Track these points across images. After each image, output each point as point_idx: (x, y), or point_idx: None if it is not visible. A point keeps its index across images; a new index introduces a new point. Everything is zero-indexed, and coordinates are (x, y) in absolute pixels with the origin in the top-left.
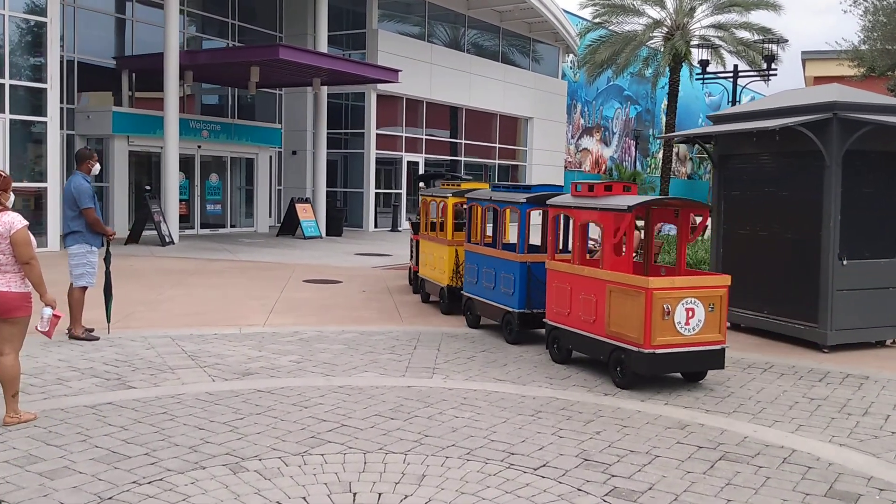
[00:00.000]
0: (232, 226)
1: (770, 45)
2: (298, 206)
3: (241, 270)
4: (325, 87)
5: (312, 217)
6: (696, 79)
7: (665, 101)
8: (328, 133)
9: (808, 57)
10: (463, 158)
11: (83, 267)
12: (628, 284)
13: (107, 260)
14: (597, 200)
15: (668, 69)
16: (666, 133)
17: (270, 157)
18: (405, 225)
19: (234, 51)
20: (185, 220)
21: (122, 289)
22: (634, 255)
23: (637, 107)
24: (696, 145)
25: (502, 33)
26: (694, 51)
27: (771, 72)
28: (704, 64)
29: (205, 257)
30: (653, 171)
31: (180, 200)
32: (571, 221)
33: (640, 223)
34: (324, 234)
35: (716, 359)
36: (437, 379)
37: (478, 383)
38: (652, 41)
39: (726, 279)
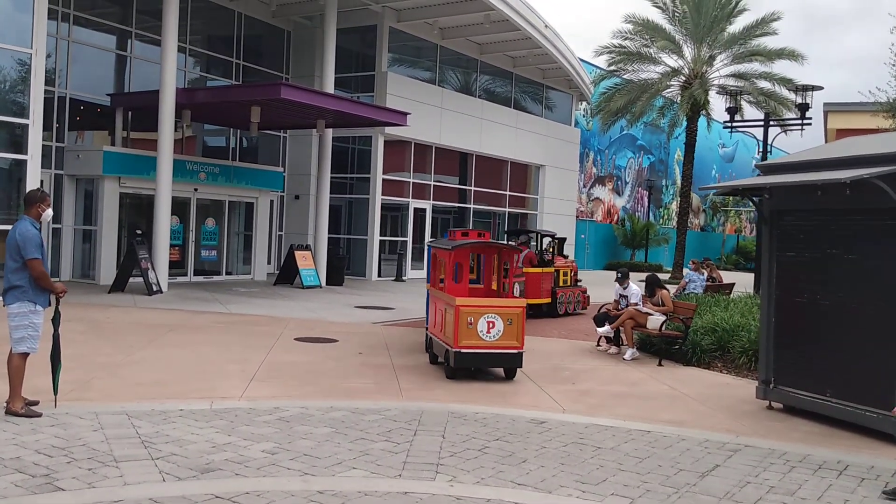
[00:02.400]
0: (228, 273)
1: (801, 93)
2: (298, 254)
3: (228, 326)
4: (331, 130)
5: (312, 265)
6: (725, 127)
7: (679, 152)
8: (332, 177)
9: (830, 109)
10: (472, 206)
11: (24, 329)
12: (449, 303)
13: (55, 321)
14: (449, 242)
15: (684, 119)
16: (682, 184)
17: (272, 201)
18: (410, 274)
19: (233, 89)
20: (178, 266)
21: (87, 347)
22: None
23: (650, 157)
24: (741, 198)
25: (515, 79)
26: (719, 100)
27: (805, 121)
28: (733, 112)
29: (191, 309)
30: (665, 222)
31: (174, 246)
32: (437, 257)
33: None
34: (324, 284)
35: (513, 360)
36: (441, 482)
37: (492, 489)
38: (668, 90)
39: (522, 303)
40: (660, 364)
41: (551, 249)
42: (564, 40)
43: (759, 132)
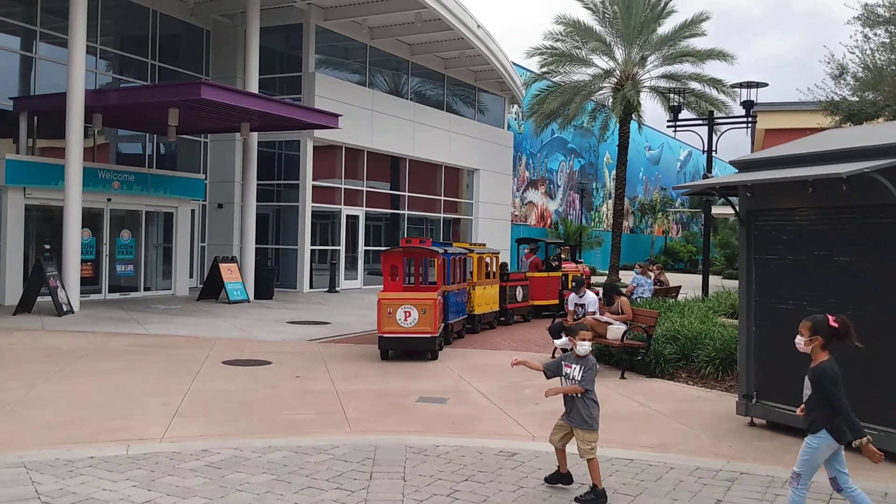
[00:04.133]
0: (146, 288)
1: (742, 89)
2: (223, 267)
3: (146, 350)
4: (256, 134)
5: (239, 278)
6: (668, 127)
7: (608, 155)
8: (259, 184)
9: (759, 109)
10: (406, 212)
11: None
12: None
13: None
14: (391, 248)
15: (616, 122)
16: (616, 186)
17: (193, 210)
18: (344, 285)
19: (149, 90)
20: (92, 282)
21: None
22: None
23: (581, 160)
24: (719, 197)
25: (447, 81)
26: (650, 103)
27: (751, 119)
28: (676, 110)
29: (105, 331)
30: (597, 225)
31: (86, 261)
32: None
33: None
34: (252, 298)
35: (428, 342)
36: None
37: None
38: (601, 92)
39: (433, 295)
40: (623, 377)
41: (558, 256)
42: (497, 41)
43: (698, 131)
